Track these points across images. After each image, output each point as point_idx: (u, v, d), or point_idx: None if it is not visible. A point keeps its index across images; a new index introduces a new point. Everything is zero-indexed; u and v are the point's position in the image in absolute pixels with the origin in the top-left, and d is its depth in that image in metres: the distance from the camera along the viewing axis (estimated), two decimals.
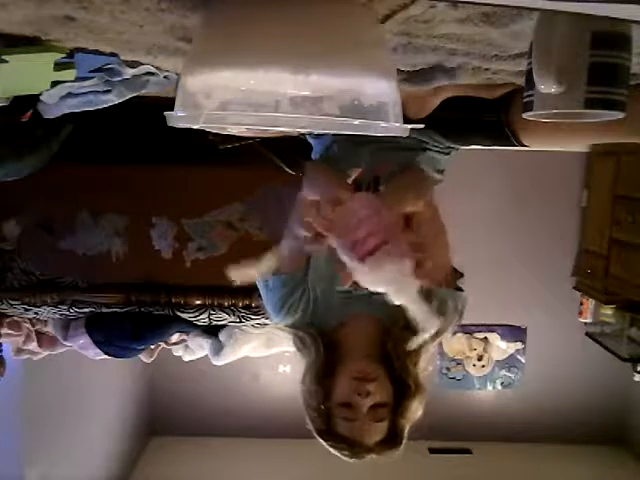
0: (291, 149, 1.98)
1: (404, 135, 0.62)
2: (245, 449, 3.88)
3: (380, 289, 0.77)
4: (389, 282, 0.76)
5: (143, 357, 2.46)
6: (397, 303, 0.77)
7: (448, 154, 1.30)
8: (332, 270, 1.13)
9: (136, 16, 0.68)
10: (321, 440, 1.09)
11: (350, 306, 1.13)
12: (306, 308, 1.16)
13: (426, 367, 1.12)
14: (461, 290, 1.19)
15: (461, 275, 1.24)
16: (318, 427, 1.10)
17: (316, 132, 1.30)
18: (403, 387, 1.08)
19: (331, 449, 1.09)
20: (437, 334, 1.08)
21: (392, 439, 1.08)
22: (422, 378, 1.10)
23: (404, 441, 1.09)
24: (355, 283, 0.80)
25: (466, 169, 2.98)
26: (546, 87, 0.63)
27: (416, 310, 0.77)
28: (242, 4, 0.57)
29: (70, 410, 3.00)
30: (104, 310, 2.18)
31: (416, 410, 1.09)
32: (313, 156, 1.42)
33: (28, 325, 2.24)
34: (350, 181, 1.12)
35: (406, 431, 1.09)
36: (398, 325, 1.08)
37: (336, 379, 1.08)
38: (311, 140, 1.43)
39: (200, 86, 0.59)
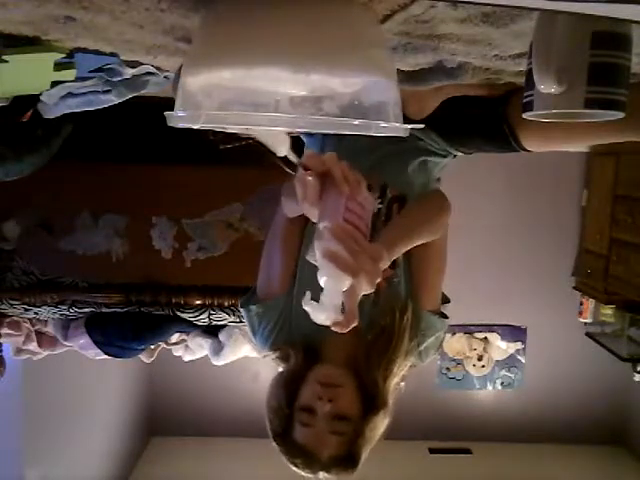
0: (291, 149, 1.98)
1: (404, 135, 0.62)
2: (245, 449, 3.88)
3: (316, 259, 0.76)
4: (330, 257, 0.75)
5: (143, 357, 2.46)
6: (320, 280, 0.76)
7: (445, 157, 1.30)
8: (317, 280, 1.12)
9: (136, 16, 0.68)
10: (275, 445, 1.05)
11: None
12: (291, 326, 1.14)
13: (396, 387, 1.07)
14: (445, 317, 1.17)
15: (448, 301, 1.23)
16: (274, 429, 1.06)
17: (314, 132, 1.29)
18: (370, 404, 1.03)
19: (284, 457, 1.04)
20: (407, 354, 1.06)
21: (348, 459, 1.02)
22: (390, 396, 1.05)
23: (359, 465, 1.02)
24: None
25: (467, 169, 2.98)
26: (546, 87, 0.63)
27: (328, 294, 0.76)
28: (242, 4, 0.57)
29: (70, 410, 3.00)
30: (104, 310, 2.18)
31: (377, 429, 1.04)
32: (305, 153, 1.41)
33: (28, 325, 2.24)
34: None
35: (364, 454, 1.03)
36: (372, 334, 1.06)
37: (304, 383, 1.05)
38: (305, 138, 1.42)
39: (200, 86, 0.59)
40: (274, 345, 1.15)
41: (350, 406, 1.02)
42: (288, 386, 1.06)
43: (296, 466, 1.03)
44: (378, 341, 1.05)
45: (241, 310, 1.20)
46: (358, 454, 1.02)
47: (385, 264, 0.83)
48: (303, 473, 1.04)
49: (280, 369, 1.12)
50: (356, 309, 0.78)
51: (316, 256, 0.77)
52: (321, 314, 0.77)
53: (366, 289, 0.77)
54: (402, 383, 1.10)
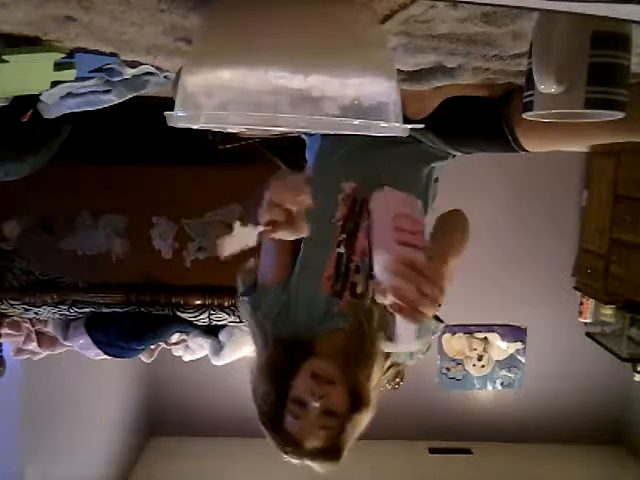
0: (291, 149, 1.98)
1: (404, 135, 0.62)
2: (245, 449, 3.87)
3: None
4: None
5: (143, 357, 2.46)
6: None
7: (445, 158, 1.30)
8: (316, 279, 1.14)
9: (136, 16, 0.68)
10: (264, 429, 1.09)
11: (332, 319, 1.12)
12: (288, 315, 1.15)
13: (380, 386, 1.10)
14: (440, 320, 1.19)
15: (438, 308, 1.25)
16: (264, 414, 1.09)
17: (313, 132, 1.29)
18: (357, 401, 1.06)
19: (273, 442, 1.08)
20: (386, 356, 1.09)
21: (332, 451, 1.06)
22: (373, 394, 1.08)
23: (342, 457, 1.07)
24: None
25: (467, 169, 2.98)
26: (546, 87, 0.63)
27: (402, 332, 0.80)
28: (242, 4, 0.57)
29: (70, 410, 3.00)
30: (104, 310, 2.18)
31: (361, 425, 1.08)
32: (307, 154, 1.42)
33: (28, 325, 2.24)
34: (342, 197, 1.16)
35: (347, 447, 1.07)
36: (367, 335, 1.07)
37: (297, 374, 1.07)
38: (305, 137, 1.42)
39: (200, 86, 0.59)
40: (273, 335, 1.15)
41: (339, 403, 1.05)
42: (280, 375, 1.08)
43: (286, 453, 1.07)
44: (354, 340, 1.07)
45: (240, 299, 1.19)
46: (342, 448, 1.06)
47: (445, 282, 0.84)
48: (291, 460, 1.08)
49: (257, 354, 1.14)
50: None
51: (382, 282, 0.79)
52: (401, 348, 0.85)
53: (429, 311, 0.81)
54: (401, 382, 1.12)
